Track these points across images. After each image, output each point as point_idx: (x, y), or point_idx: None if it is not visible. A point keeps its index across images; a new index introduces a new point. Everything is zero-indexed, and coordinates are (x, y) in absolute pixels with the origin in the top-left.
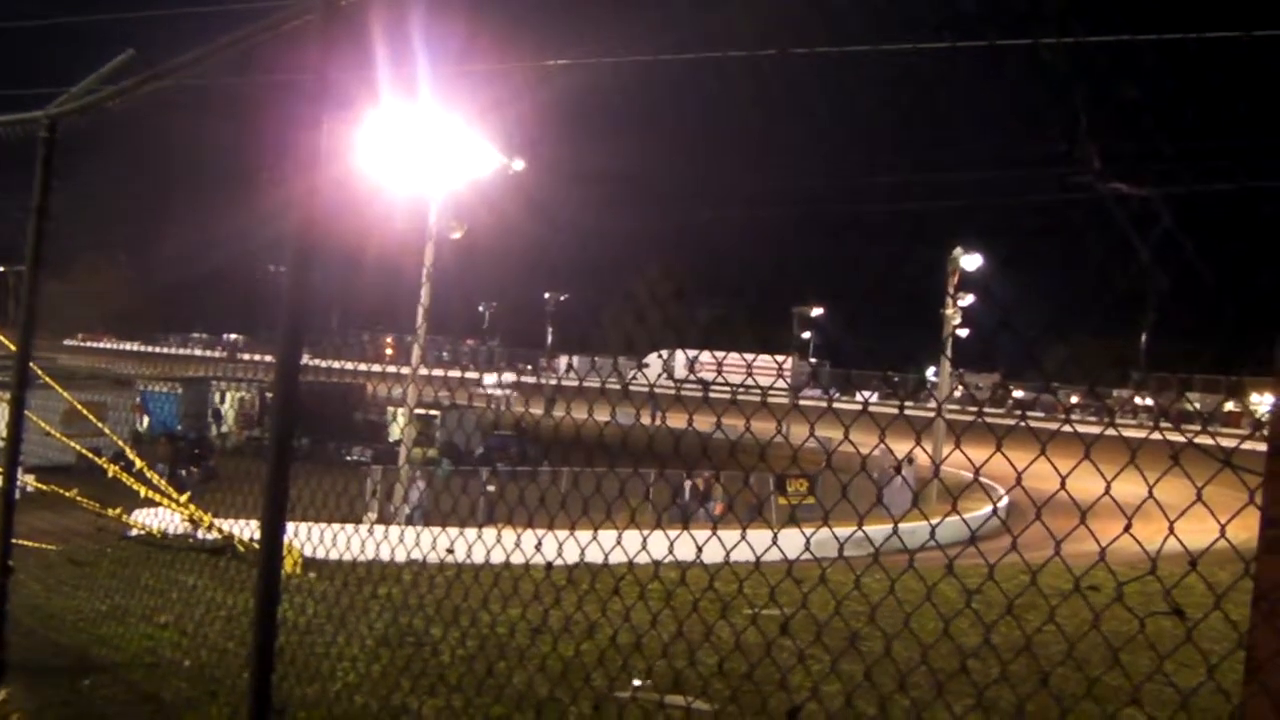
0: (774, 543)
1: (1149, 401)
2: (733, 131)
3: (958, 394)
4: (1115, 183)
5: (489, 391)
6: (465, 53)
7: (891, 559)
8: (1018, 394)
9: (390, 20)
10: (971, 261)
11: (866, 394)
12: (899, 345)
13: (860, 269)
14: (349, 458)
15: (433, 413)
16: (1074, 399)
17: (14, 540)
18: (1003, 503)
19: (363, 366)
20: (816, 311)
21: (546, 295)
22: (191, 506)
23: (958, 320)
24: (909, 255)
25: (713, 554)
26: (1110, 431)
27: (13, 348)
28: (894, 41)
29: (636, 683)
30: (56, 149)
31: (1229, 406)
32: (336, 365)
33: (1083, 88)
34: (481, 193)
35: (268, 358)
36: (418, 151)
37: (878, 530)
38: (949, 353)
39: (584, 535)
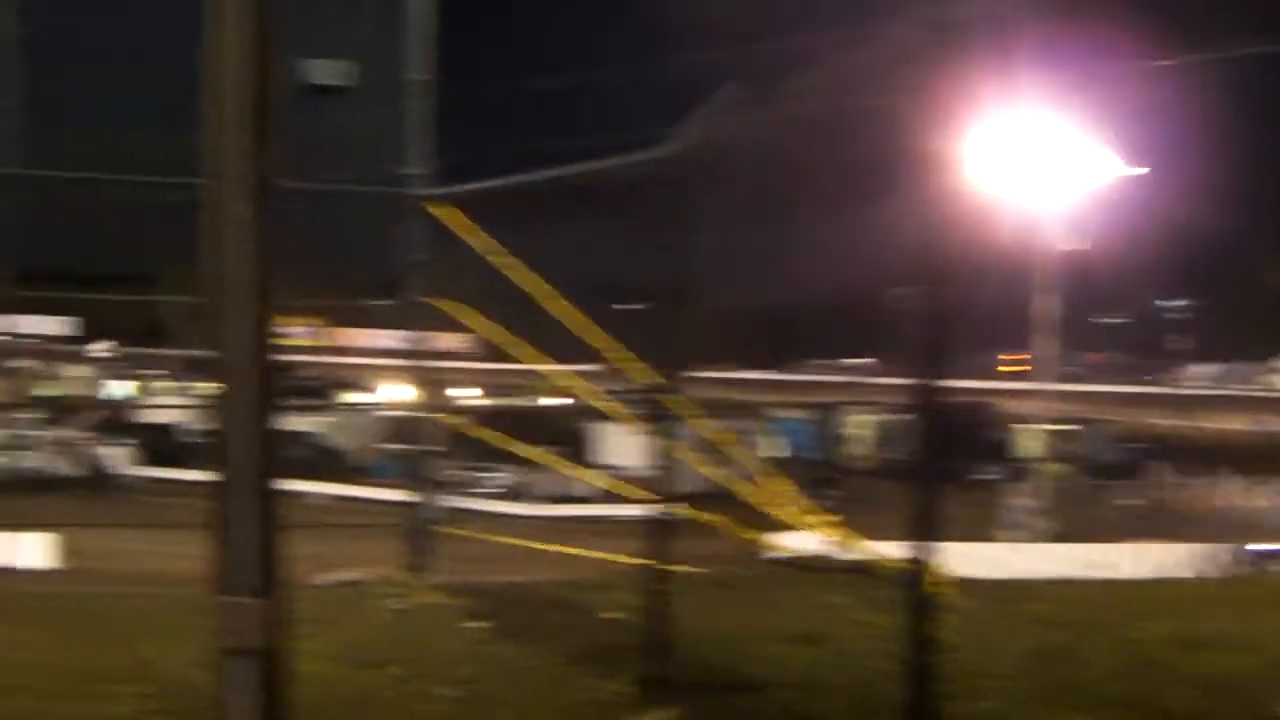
0: None
1: None
2: None
3: None
4: None
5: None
6: (1076, 55)
7: None
8: None
9: (999, 32)
10: None
11: None
12: None
13: None
14: (978, 476)
15: (1068, 427)
16: None
17: (669, 565)
18: None
19: (994, 384)
20: None
21: (1164, 303)
22: (832, 528)
23: None
24: None
25: None
26: None
27: (639, 380)
28: None
29: None
30: (674, 186)
31: None
32: (966, 385)
33: None
34: (1100, 200)
35: (895, 380)
36: (1034, 162)
37: None
38: None
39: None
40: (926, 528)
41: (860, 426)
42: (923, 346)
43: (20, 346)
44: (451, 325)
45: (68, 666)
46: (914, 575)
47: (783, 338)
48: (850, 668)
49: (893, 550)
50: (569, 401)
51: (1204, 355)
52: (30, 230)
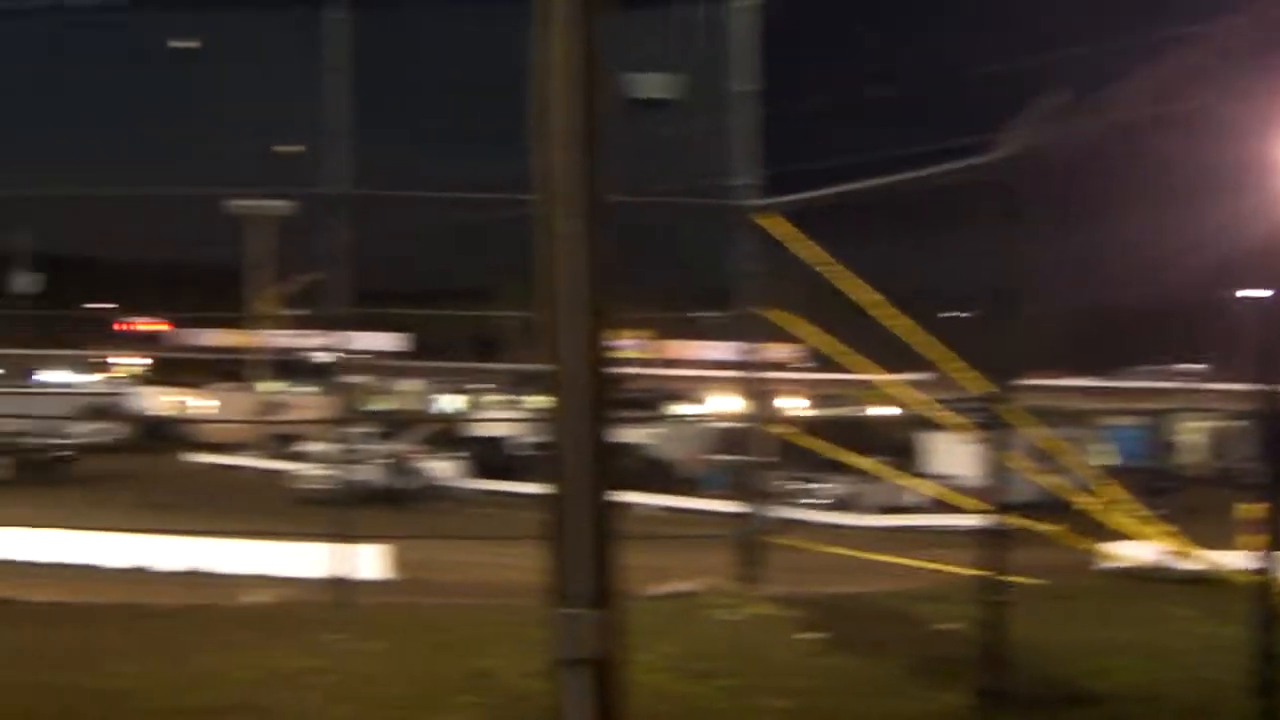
0: None
1: None
2: None
3: None
4: None
5: None
6: None
7: None
8: None
9: None
10: None
11: None
12: None
13: None
14: None
15: None
16: None
17: (1004, 576)
18: None
19: None
20: None
21: None
22: (1170, 537)
23: None
24: None
25: None
26: None
27: (970, 388)
28: None
29: None
30: (1002, 192)
31: None
32: None
33: None
34: None
35: (1230, 386)
36: None
37: None
38: None
39: None
40: (1271, 537)
41: (1193, 433)
42: (1262, 351)
43: (354, 362)
44: (780, 336)
45: (407, 675)
46: (1261, 586)
47: (1113, 343)
48: (1193, 681)
49: (1231, 560)
50: (898, 411)
51: None
52: (364, 248)
